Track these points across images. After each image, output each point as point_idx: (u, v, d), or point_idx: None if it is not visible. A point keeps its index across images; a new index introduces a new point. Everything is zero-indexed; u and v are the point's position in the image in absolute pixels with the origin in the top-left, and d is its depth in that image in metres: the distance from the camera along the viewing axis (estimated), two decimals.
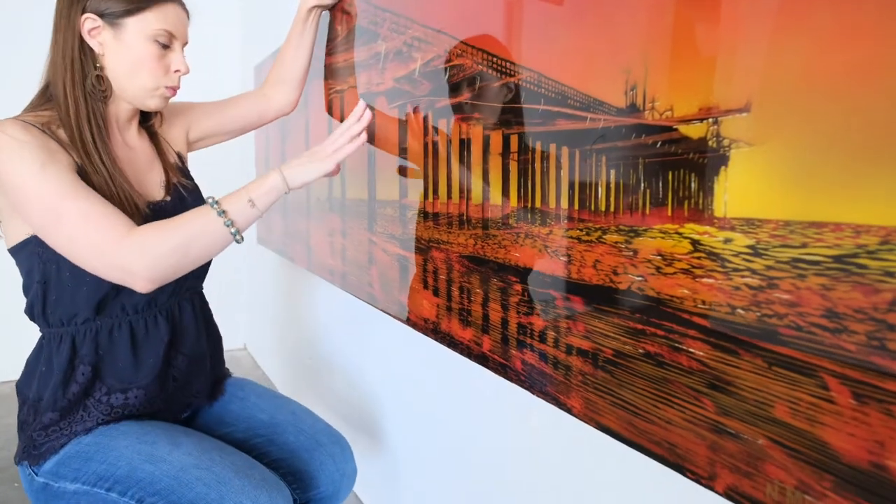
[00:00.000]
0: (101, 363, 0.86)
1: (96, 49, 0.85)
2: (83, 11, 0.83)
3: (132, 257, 0.76)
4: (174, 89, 0.92)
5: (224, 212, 0.81)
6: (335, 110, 1.37)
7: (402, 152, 1.06)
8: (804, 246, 0.44)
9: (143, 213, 0.86)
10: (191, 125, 1.10)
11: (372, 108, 0.75)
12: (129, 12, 0.84)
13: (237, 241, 0.84)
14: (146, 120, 1.00)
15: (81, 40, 0.84)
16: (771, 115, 0.46)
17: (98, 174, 0.81)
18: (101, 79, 0.86)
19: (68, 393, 0.85)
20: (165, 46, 0.88)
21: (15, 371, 1.10)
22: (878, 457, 0.41)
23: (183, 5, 0.92)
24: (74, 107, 0.82)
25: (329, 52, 1.36)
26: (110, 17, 0.84)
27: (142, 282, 0.78)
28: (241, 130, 1.21)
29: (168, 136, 1.04)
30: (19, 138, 0.75)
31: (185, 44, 0.92)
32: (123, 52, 0.85)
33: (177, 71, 0.90)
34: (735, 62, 0.49)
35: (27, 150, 0.75)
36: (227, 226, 0.81)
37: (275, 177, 0.86)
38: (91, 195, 0.78)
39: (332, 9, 1.31)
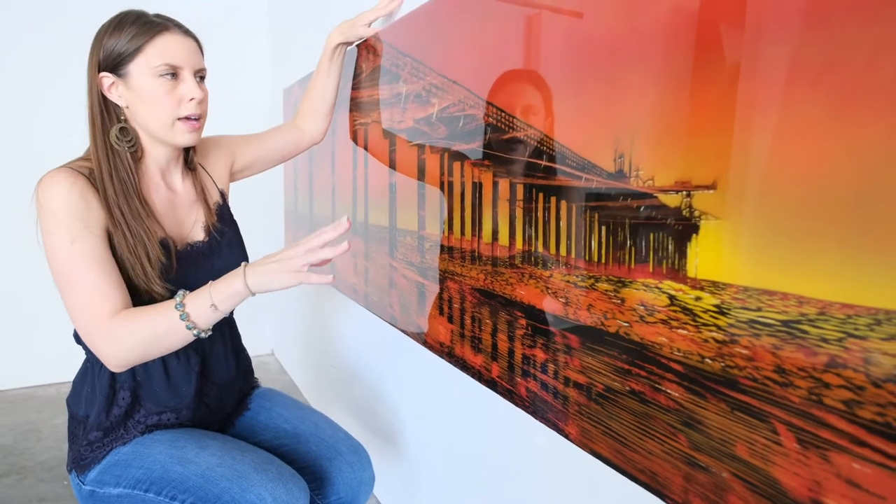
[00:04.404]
0: (139, 388, 0.96)
1: (120, 103, 0.91)
2: (99, 70, 0.89)
3: (103, 345, 0.85)
4: (197, 118, 0.93)
5: (187, 314, 0.85)
6: (359, 140, 1.47)
7: (421, 188, 1.15)
8: (759, 309, 0.52)
9: (162, 264, 0.90)
10: (235, 157, 1.19)
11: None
12: (130, 56, 0.88)
13: (202, 337, 0.88)
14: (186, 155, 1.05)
15: (103, 97, 0.90)
16: (733, 195, 0.54)
17: (118, 230, 0.87)
18: (126, 130, 0.91)
19: (111, 416, 0.95)
20: (173, 76, 0.90)
21: (64, 373, 1.18)
22: (817, 494, 0.48)
23: (185, 31, 0.93)
24: (98, 164, 0.87)
25: (354, 86, 1.46)
26: (118, 70, 0.89)
27: (111, 365, 0.86)
28: (279, 160, 1.31)
29: (213, 171, 1.12)
30: (63, 199, 0.82)
31: (198, 70, 0.93)
32: (137, 97, 0.89)
33: (191, 99, 0.91)
34: (705, 144, 0.56)
35: (63, 214, 0.82)
36: (189, 328, 0.85)
37: (238, 283, 0.85)
38: (98, 271, 0.84)
39: (358, 45, 1.41)
